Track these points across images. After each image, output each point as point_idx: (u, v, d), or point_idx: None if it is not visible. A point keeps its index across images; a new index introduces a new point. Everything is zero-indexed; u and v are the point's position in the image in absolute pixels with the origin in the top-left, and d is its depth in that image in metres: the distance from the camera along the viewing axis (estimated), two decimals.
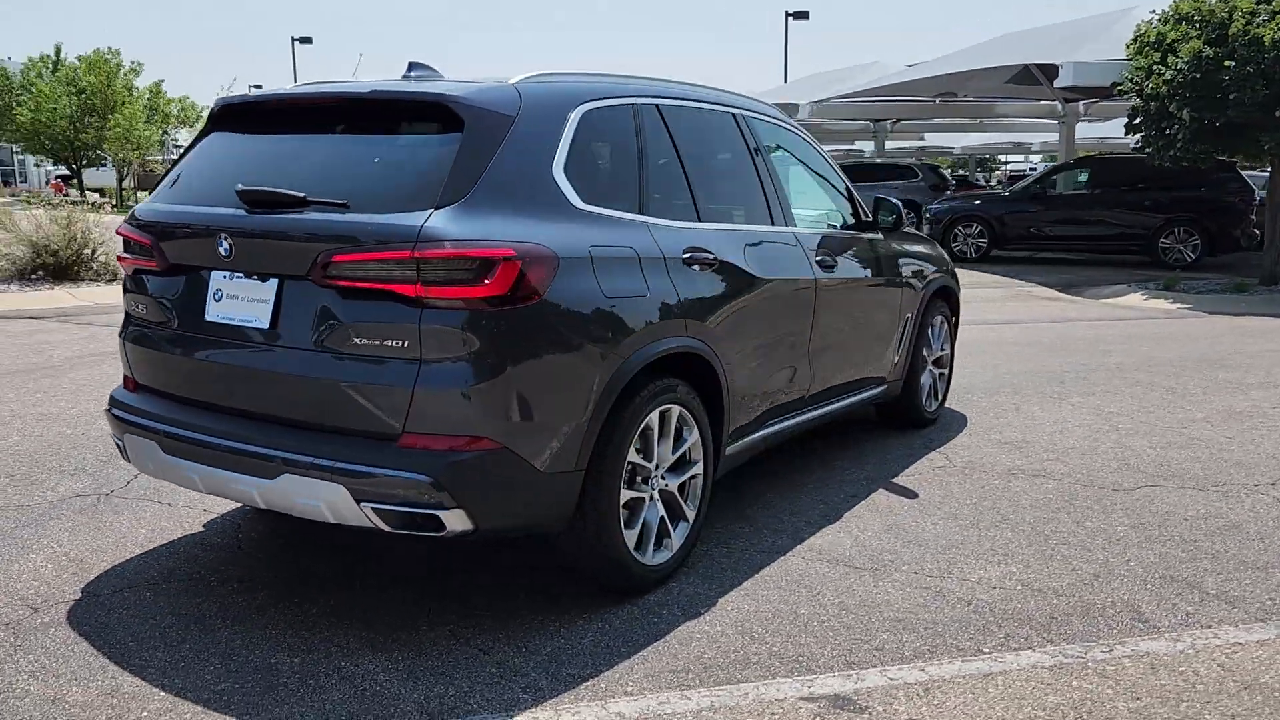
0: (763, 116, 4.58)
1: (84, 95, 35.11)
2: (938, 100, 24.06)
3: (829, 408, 4.81)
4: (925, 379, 5.81)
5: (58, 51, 37.29)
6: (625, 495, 3.37)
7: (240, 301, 3.18)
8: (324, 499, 2.95)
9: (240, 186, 3.14)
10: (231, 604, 3.42)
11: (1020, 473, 4.98)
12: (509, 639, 3.18)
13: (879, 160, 27.23)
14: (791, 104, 22.78)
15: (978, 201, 18.97)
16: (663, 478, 3.60)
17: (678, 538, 3.66)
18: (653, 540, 3.53)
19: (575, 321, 3.12)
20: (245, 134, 3.51)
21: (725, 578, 3.69)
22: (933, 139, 43.14)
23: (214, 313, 3.24)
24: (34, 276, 12.31)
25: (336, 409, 3.00)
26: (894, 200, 5.14)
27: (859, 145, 38.13)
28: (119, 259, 3.65)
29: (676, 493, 3.65)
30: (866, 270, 5.01)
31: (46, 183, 44.26)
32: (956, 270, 6.29)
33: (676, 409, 3.56)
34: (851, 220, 5.10)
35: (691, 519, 3.72)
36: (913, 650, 3.14)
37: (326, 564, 3.79)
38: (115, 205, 34.31)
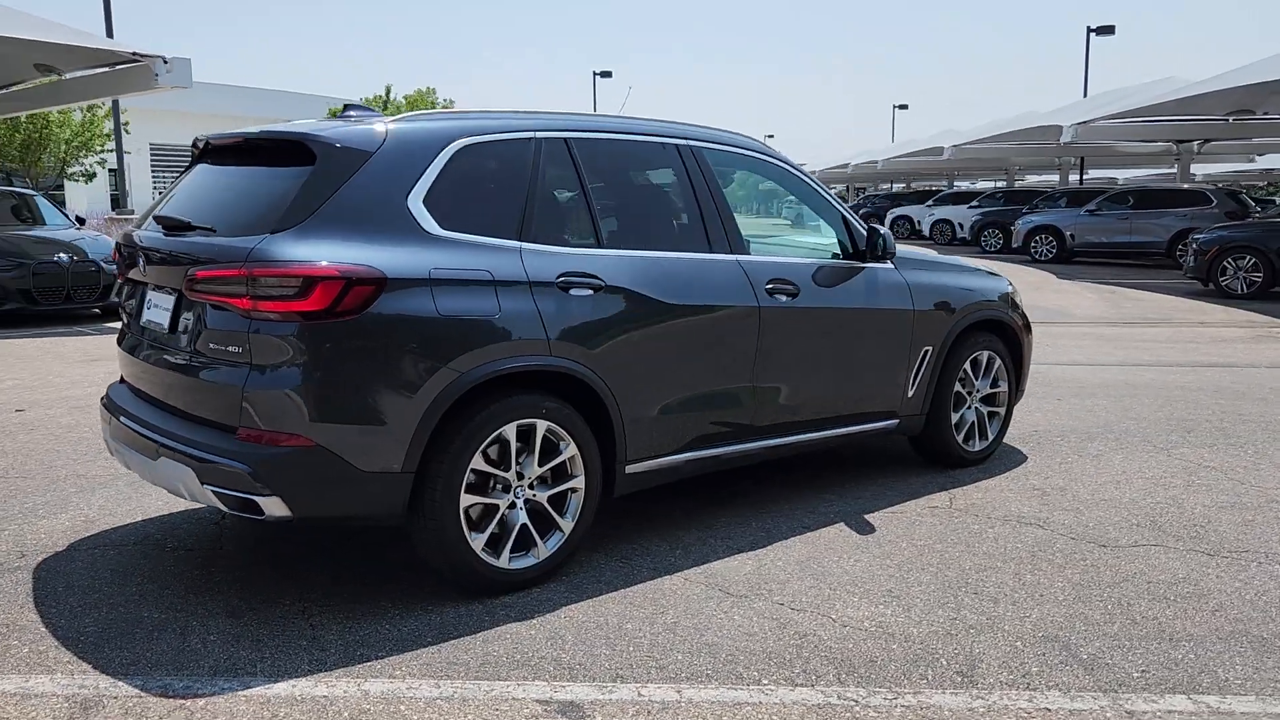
0: (720, 146, 4.66)
1: None
2: (1231, 119, 21.71)
3: (800, 437, 4.77)
4: (968, 416, 5.53)
5: (388, 92, 41.93)
6: (469, 500, 3.62)
7: (157, 309, 3.80)
8: (182, 480, 3.47)
9: (156, 213, 3.75)
10: (160, 566, 4.04)
11: (1016, 520, 4.68)
12: (343, 620, 3.54)
13: (1167, 186, 24.90)
14: (1053, 126, 21.50)
15: (1254, 230, 16.97)
16: (531, 488, 3.81)
17: (549, 547, 3.86)
18: (509, 546, 3.75)
19: (402, 336, 3.45)
20: (201, 166, 4.13)
21: (591, 589, 3.84)
22: (1268, 161, 38.79)
23: (145, 317, 3.88)
24: None
25: (200, 402, 3.52)
26: (878, 228, 5.00)
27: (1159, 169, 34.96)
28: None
29: (547, 504, 3.85)
30: (851, 299, 4.90)
31: None
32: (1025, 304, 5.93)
33: (542, 424, 3.78)
34: (844, 248, 5.01)
35: (568, 530, 3.91)
36: (691, 672, 3.18)
37: (270, 547, 4.32)
38: None
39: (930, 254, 6.02)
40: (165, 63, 11.48)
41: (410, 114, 3.90)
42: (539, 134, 4.02)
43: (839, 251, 5.04)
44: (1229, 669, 3.23)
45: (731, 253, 4.47)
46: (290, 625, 3.50)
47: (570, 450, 3.88)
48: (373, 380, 3.42)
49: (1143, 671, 3.21)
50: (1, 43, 12.19)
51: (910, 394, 5.20)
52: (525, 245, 3.82)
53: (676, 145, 4.46)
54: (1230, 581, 3.96)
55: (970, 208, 30.89)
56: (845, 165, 49.20)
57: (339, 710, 2.93)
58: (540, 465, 3.83)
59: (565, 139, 4.09)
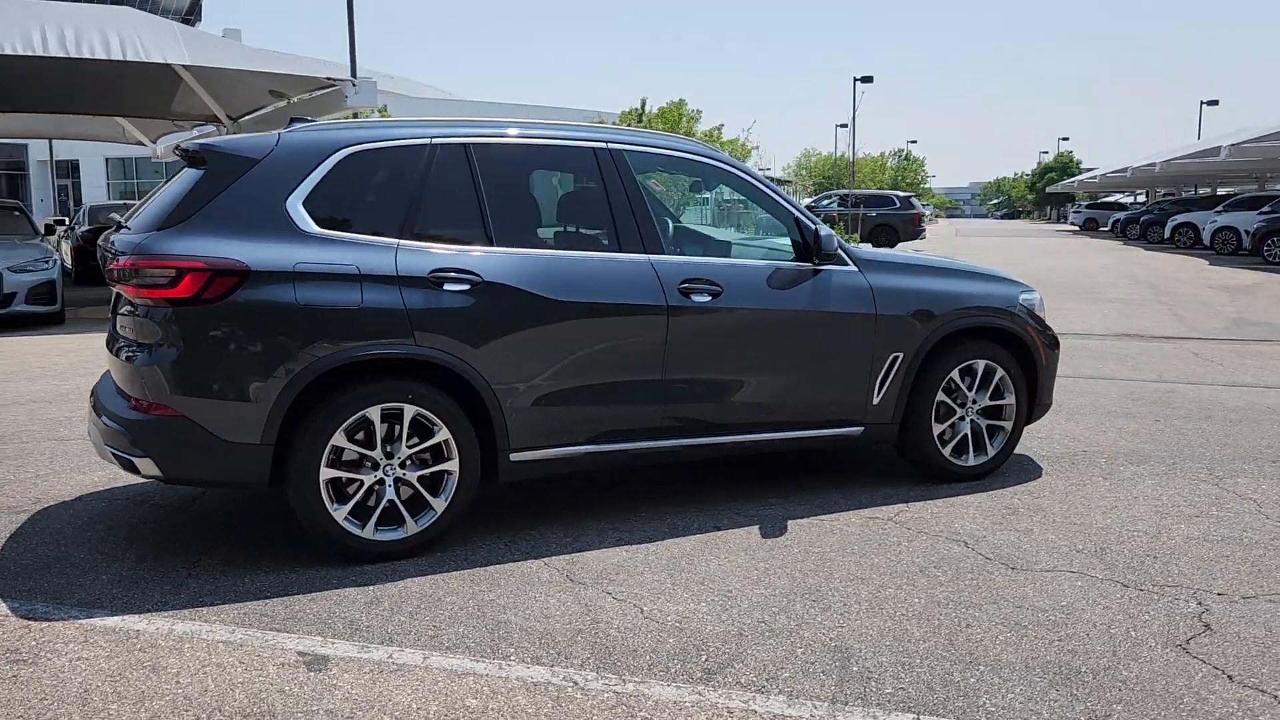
0: (645, 148, 4.75)
1: None
2: None
3: (735, 439, 4.76)
4: (961, 428, 5.27)
5: (643, 105, 43.39)
6: (330, 473, 3.99)
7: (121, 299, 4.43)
8: (97, 443, 4.09)
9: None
10: (128, 518, 4.70)
11: (946, 537, 4.46)
12: (218, 575, 4.01)
13: None
14: (1213, 148, 19.12)
15: None
16: (403, 467, 4.13)
17: (419, 524, 4.15)
18: (374, 519, 4.08)
19: (261, 322, 3.87)
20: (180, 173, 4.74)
21: (450, 565, 4.09)
22: None
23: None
24: None
25: (122, 380, 4.12)
26: (820, 230, 4.86)
27: None
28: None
29: (418, 484, 4.15)
30: (791, 302, 4.83)
31: None
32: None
33: (411, 408, 4.08)
34: (797, 250, 4.94)
35: (440, 510, 4.18)
36: (453, 644, 3.37)
37: (240, 511, 4.88)
38: None
39: (919, 257, 5.75)
40: (354, 85, 12.77)
41: (316, 124, 4.32)
42: (436, 140, 4.32)
43: (794, 254, 4.96)
44: (997, 697, 3.01)
45: (644, 252, 4.55)
46: (173, 573, 4.01)
47: (443, 434, 4.14)
48: (233, 360, 3.86)
49: (898, 689, 3.06)
50: (246, 75, 14.03)
51: (876, 401, 5.03)
52: (403, 243, 4.13)
53: (594, 148, 4.61)
54: (1110, 615, 3.61)
55: (1260, 214, 27.69)
56: (1124, 170, 45.55)
57: (135, 642, 3.38)
58: (411, 447, 4.12)
59: (466, 144, 4.36)
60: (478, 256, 4.23)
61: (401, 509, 4.12)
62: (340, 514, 4.02)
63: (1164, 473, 5.48)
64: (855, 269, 4.99)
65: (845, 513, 4.78)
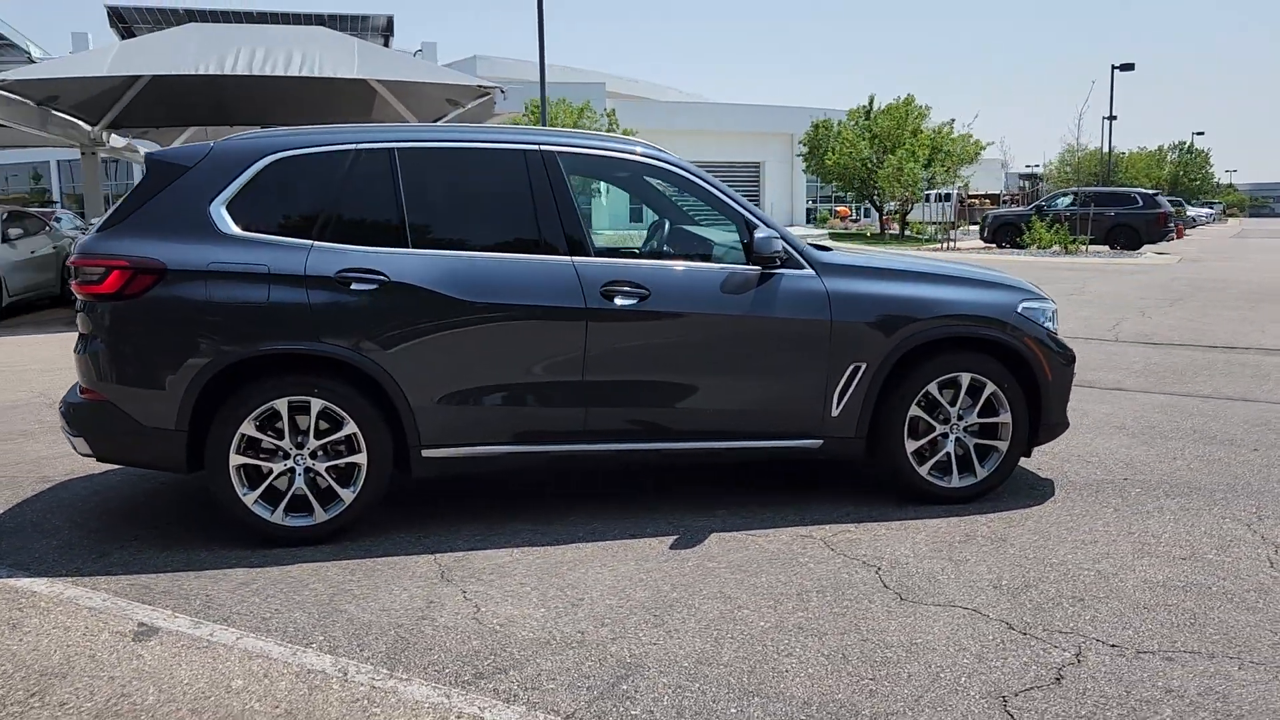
0: (582, 150, 4.73)
1: (878, 139, 39.47)
2: None
3: (670, 445, 4.66)
4: (944, 446, 4.91)
5: (871, 101, 42.35)
6: (239, 460, 4.27)
7: None
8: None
9: None
10: (120, 492, 5.20)
11: (861, 562, 4.18)
12: (146, 549, 4.37)
13: None
14: None
15: None
16: (313, 457, 4.36)
17: (327, 513, 4.36)
18: (283, 505, 4.33)
19: (176, 316, 4.20)
20: None
21: (343, 554, 4.25)
22: None
23: None
24: None
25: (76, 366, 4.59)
26: (762, 233, 4.63)
27: None
28: None
29: (327, 474, 4.37)
30: (731, 306, 4.66)
31: (832, 213, 50.91)
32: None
33: (318, 402, 4.30)
34: (748, 253, 4.77)
35: (349, 500, 4.38)
36: (273, 627, 3.53)
37: None
38: (876, 235, 37.90)
39: (899, 260, 5.34)
40: (503, 93, 13.32)
41: (253, 132, 4.61)
42: (361, 146, 4.50)
43: (745, 256, 4.80)
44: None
45: (569, 254, 4.54)
46: (105, 545, 4.40)
47: (350, 428, 4.33)
48: (150, 350, 4.21)
49: (646, 712, 2.95)
50: (426, 86, 14.98)
51: (836, 413, 4.76)
52: (317, 244, 4.34)
53: (525, 151, 4.64)
54: (959, 658, 3.29)
55: None
56: None
57: (23, 600, 3.77)
58: (320, 439, 4.34)
59: (392, 149, 4.52)
60: (385, 257, 4.37)
61: (311, 498, 4.33)
62: (250, 498, 4.28)
63: (1196, 509, 4.86)
64: (812, 273, 4.75)
65: (785, 529, 4.57)
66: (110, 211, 4.48)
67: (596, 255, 4.62)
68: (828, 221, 49.42)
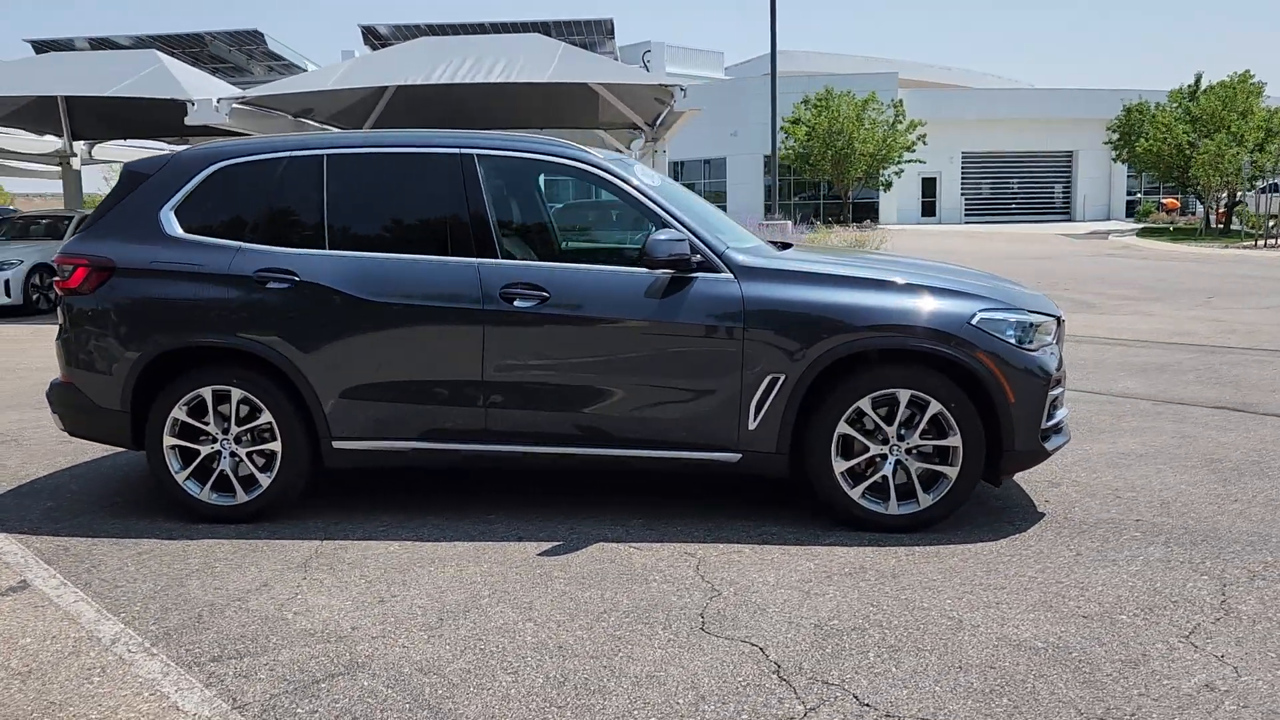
0: (505, 153, 4.74)
1: (1197, 122, 35.41)
2: None
3: (579, 450, 4.58)
4: (882, 469, 4.52)
5: (1197, 80, 38.11)
6: (173, 441, 4.73)
7: None
8: None
9: None
10: (124, 470, 5.88)
11: (714, 590, 3.95)
12: (90, 510, 4.96)
13: None
14: None
15: None
16: (237, 443, 4.75)
17: (249, 494, 4.72)
18: (209, 485, 4.74)
19: (121, 309, 4.72)
20: None
21: (253, 534, 4.57)
22: None
23: None
24: None
25: None
26: (659, 236, 4.41)
27: None
28: None
29: (247, 459, 4.74)
30: (632, 311, 4.51)
31: (1158, 206, 45.92)
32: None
33: (237, 392, 4.68)
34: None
35: (265, 484, 4.72)
36: (113, 594, 3.91)
37: None
38: (1203, 233, 33.77)
39: (844, 261, 4.86)
40: (682, 91, 13.35)
41: (212, 142, 5.04)
42: (294, 153, 4.81)
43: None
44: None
45: (476, 256, 4.61)
46: (66, 506, 5.02)
47: (266, 418, 4.67)
48: (101, 339, 4.75)
49: (273, 697, 3.02)
50: (636, 87, 15.43)
51: (753, 427, 4.50)
52: (245, 246, 4.71)
53: (445, 154, 4.74)
54: (676, 695, 3.06)
55: None
56: None
57: None
58: (241, 426, 4.71)
59: (322, 156, 4.80)
60: (298, 257, 4.64)
61: (233, 479, 4.71)
62: (181, 476, 4.71)
63: (1180, 563, 4.14)
64: (729, 277, 4.50)
65: (675, 544, 4.39)
66: (90, 215, 5.07)
67: (505, 257, 4.61)
68: (1150, 215, 44.89)
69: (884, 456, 4.48)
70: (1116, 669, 3.18)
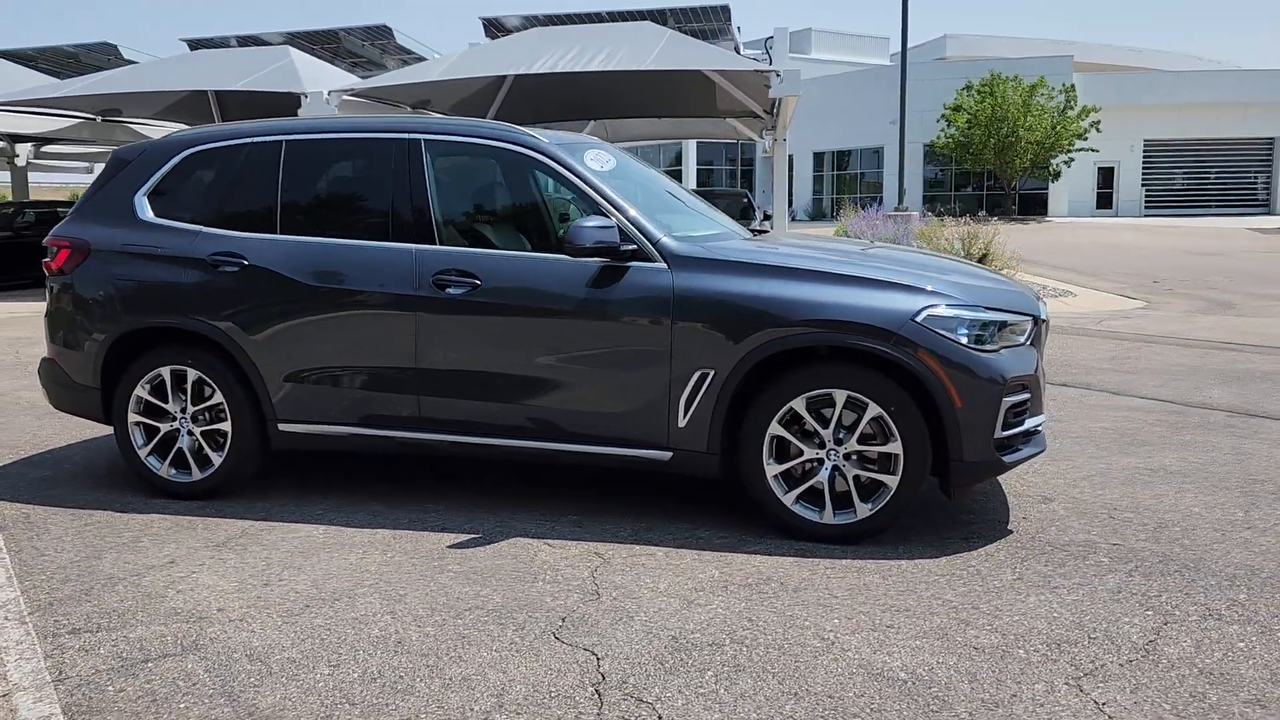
0: (449, 137, 4.67)
1: None
2: None
3: (508, 442, 4.49)
4: (819, 474, 4.26)
5: None
6: (136, 418, 4.91)
7: None
8: None
9: None
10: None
11: (591, 594, 3.80)
12: (51, 475, 5.22)
13: None
14: None
15: None
16: (193, 421, 4.90)
17: (203, 472, 4.85)
18: (168, 461, 4.91)
19: (91, 291, 4.93)
20: None
21: (194, 510, 4.69)
22: None
23: None
24: None
25: None
26: (584, 223, 4.23)
27: None
28: None
29: (201, 438, 4.88)
30: (556, 300, 4.37)
31: None
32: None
33: (192, 372, 4.82)
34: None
35: (217, 463, 4.84)
36: (25, 560, 4.12)
37: None
38: None
39: (797, 252, 4.52)
40: (778, 76, 12.96)
41: (191, 128, 5.19)
42: (255, 139, 4.90)
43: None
44: None
45: (414, 241, 4.58)
46: (65, 481, 5.29)
47: (217, 398, 4.79)
48: (77, 319, 4.97)
49: (101, 672, 3.06)
50: (744, 73, 15.20)
51: (683, 424, 4.31)
52: (203, 229, 4.83)
53: (391, 140, 4.72)
54: (520, 690, 2.95)
55: None
56: None
57: None
58: (195, 406, 4.84)
59: (281, 141, 4.86)
60: (247, 241, 4.72)
61: (189, 457, 4.85)
62: (144, 451, 4.89)
63: (1129, 593, 3.72)
64: (662, 266, 4.31)
65: (587, 543, 4.24)
66: (80, 199, 5.32)
67: (445, 244, 4.56)
68: None
69: (820, 461, 4.18)
70: (969, 709, 2.85)
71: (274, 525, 4.49)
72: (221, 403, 4.73)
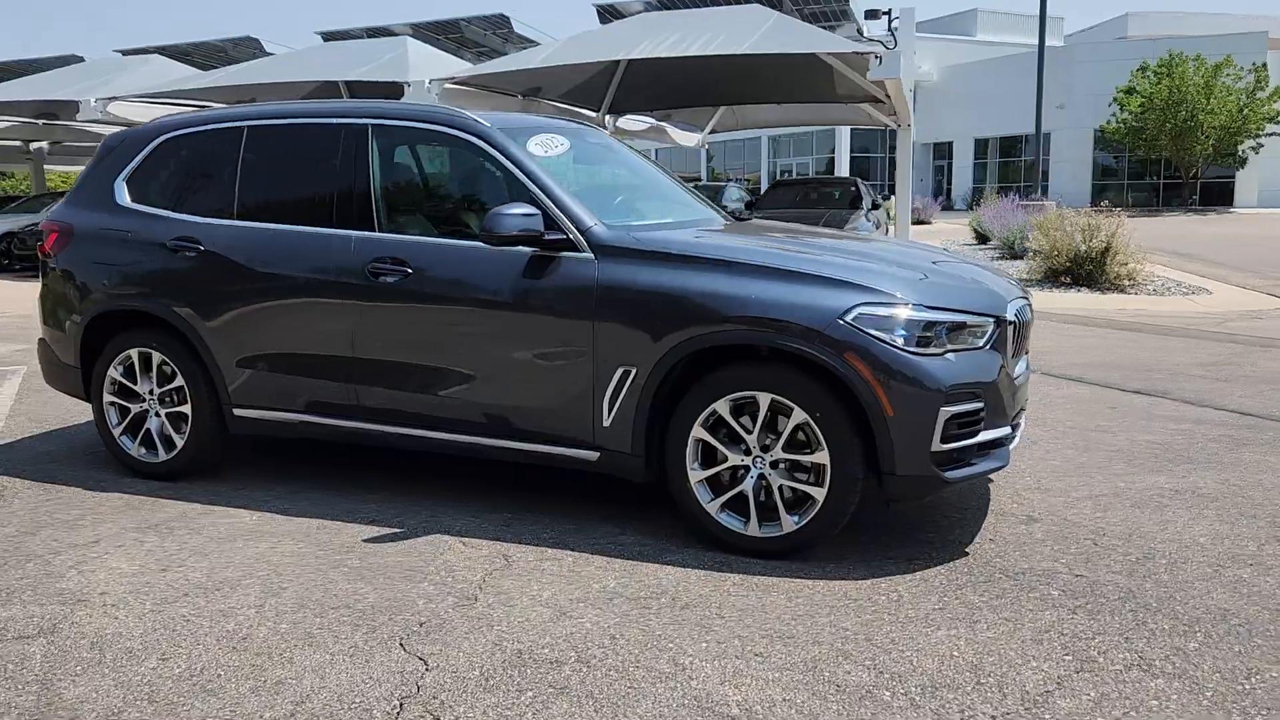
0: (398, 122, 4.55)
1: None
2: None
3: (439, 435, 4.35)
4: (745, 482, 3.97)
5: None
6: (110, 398, 5.04)
7: None
8: None
9: None
10: None
11: (470, 597, 3.66)
12: (69, 461, 5.41)
13: None
14: None
15: None
16: (160, 403, 5.00)
17: (168, 453, 4.93)
18: (137, 441, 5.03)
19: (73, 274, 5.08)
20: None
21: (150, 490, 4.79)
22: None
23: None
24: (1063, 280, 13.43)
25: None
26: (504, 210, 4.02)
27: None
28: None
29: (166, 421, 4.98)
30: (481, 290, 4.21)
31: None
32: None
33: (157, 355, 4.91)
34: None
35: (180, 445, 4.92)
36: None
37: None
38: None
39: (733, 243, 4.17)
40: (878, 59, 12.32)
41: (175, 113, 5.28)
42: (221, 125, 4.94)
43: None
44: None
45: (357, 229, 4.50)
46: (64, 458, 5.50)
47: (179, 381, 4.87)
48: (61, 300, 5.14)
49: None
50: (852, 58, 14.67)
51: (608, 423, 4.08)
52: (169, 214, 4.90)
53: (342, 125, 4.65)
54: (321, 698, 2.85)
55: None
56: None
57: None
58: (161, 388, 4.94)
59: (244, 127, 4.88)
60: (203, 227, 4.75)
61: (155, 438, 4.95)
62: (117, 430, 5.02)
63: (1053, 632, 3.30)
64: (589, 257, 4.09)
65: (504, 544, 4.08)
66: (73, 185, 5.48)
67: (387, 231, 4.47)
68: None
69: (747, 469, 3.87)
70: None
71: (214, 509, 4.50)
72: (182, 385, 4.79)
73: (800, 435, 3.76)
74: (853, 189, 15.69)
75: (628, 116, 20.35)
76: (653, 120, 22.17)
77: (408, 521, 4.31)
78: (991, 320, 3.86)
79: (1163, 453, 5.37)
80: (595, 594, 3.55)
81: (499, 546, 4.02)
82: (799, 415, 3.73)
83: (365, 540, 4.10)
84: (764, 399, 3.78)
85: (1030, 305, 4.45)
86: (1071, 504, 4.52)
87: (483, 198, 4.59)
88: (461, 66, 16.69)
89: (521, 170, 4.25)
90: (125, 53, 23.83)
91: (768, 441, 3.83)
